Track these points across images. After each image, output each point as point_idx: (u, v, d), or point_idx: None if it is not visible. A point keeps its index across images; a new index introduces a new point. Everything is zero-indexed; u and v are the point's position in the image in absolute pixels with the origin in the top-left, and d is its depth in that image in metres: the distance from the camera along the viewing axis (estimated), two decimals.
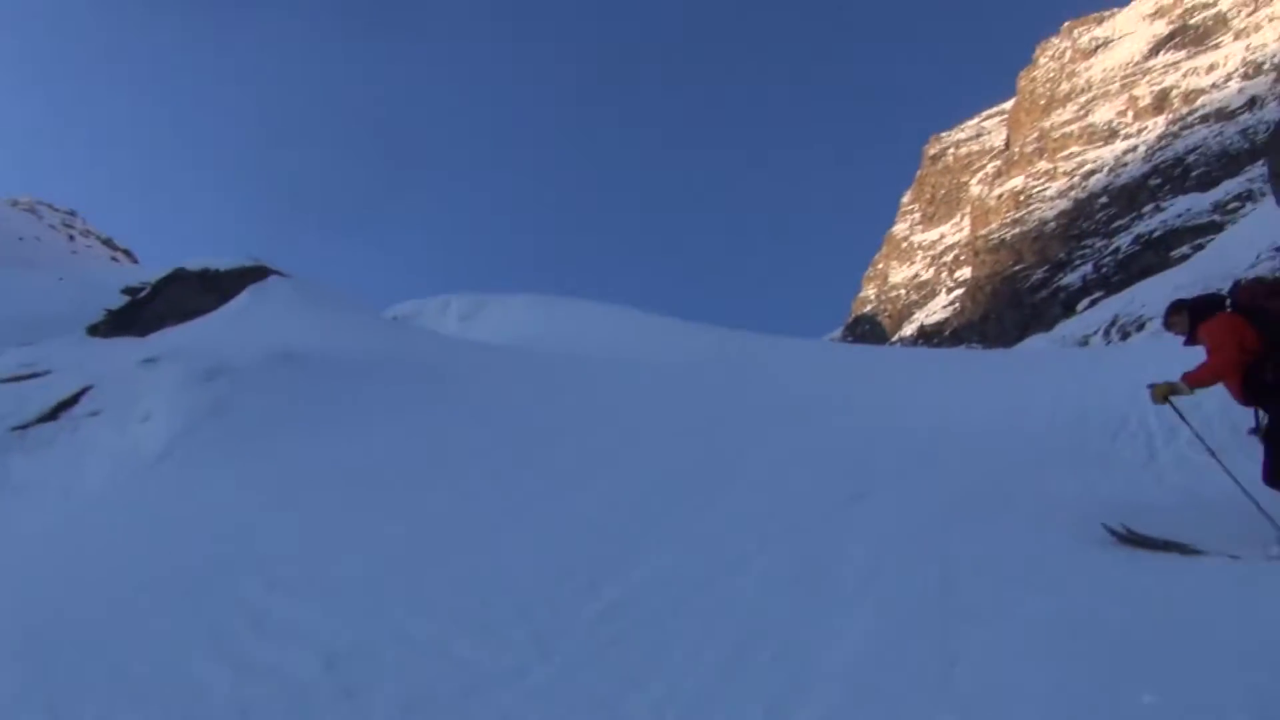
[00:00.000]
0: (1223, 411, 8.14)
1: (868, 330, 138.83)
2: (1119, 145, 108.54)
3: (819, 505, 6.76)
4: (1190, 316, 5.93)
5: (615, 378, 15.78)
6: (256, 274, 25.17)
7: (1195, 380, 5.64)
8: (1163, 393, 5.74)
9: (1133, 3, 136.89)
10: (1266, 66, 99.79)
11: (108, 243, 64.58)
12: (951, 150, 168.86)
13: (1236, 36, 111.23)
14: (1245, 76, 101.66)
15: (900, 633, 4.24)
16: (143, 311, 24.22)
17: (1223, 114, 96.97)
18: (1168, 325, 6.22)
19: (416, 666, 4.37)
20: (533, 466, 8.68)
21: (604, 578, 5.36)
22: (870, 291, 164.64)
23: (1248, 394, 5.57)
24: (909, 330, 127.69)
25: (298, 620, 5.09)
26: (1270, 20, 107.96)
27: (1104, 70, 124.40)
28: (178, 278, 25.68)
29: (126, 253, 64.23)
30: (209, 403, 11.97)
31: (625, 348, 21.81)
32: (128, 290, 25.82)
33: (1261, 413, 5.56)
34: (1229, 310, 5.71)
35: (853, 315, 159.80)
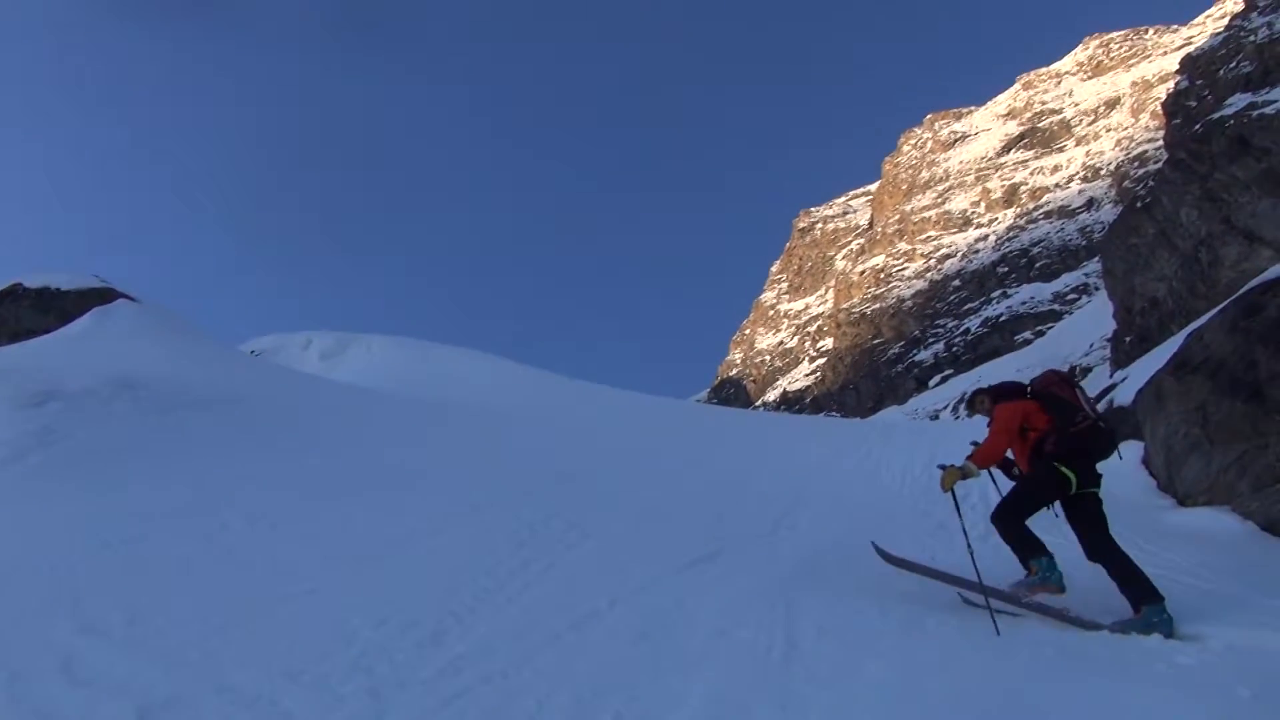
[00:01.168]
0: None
1: (732, 394, 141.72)
2: (972, 233, 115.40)
3: (672, 563, 6.78)
4: (992, 401, 6.43)
5: (478, 426, 15.56)
6: (102, 296, 23.74)
7: (978, 461, 6.07)
8: (951, 479, 6.04)
9: (988, 103, 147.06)
10: (1103, 172, 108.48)
11: None
12: (820, 225, 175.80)
13: (1079, 143, 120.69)
14: (1085, 180, 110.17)
15: (743, 694, 4.26)
16: None
17: (1064, 212, 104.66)
18: (972, 409, 6.70)
19: None
20: (384, 513, 8.41)
21: (448, 631, 5.21)
22: (737, 356, 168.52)
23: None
24: (772, 395, 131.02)
25: (112, 668, 4.72)
26: (1108, 131, 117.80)
27: (961, 162, 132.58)
28: (13, 295, 24.00)
29: None
30: (35, 430, 11.11)
31: (491, 396, 21.55)
32: None
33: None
34: (1027, 397, 6.23)
35: (719, 378, 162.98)
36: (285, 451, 11.10)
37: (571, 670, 4.61)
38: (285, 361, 28.04)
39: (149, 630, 5.26)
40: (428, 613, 5.51)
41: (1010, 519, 5.99)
